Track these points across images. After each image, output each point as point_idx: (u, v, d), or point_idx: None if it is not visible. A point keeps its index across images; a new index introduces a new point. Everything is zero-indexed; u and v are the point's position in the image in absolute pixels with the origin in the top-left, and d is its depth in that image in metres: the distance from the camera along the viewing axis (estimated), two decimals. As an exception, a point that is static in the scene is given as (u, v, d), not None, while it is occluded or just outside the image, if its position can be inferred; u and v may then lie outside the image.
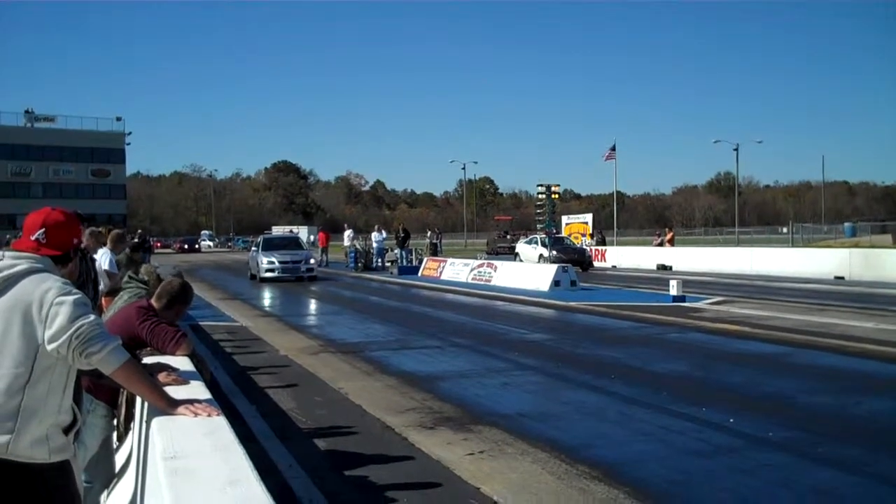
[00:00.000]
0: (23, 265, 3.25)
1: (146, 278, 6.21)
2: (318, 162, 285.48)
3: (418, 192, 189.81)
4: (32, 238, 3.42)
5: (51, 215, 3.51)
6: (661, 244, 45.60)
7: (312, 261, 35.40)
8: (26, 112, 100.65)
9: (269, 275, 33.16)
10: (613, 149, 58.72)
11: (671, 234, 46.13)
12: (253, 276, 35.10)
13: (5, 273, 3.21)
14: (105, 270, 9.58)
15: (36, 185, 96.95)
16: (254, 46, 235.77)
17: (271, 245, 36.02)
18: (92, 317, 3.19)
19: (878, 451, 7.53)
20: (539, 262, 36.51)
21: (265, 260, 33.62)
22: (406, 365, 12.55)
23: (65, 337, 3.10)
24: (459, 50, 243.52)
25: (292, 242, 38.23)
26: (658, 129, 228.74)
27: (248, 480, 2.55)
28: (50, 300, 3.15)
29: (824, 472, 6.94)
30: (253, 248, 39.00)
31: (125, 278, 6.39)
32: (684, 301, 20.77)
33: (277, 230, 78.70)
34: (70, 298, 3.17)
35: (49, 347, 3.11)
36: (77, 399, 3.44)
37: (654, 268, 39.40)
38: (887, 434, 8.18)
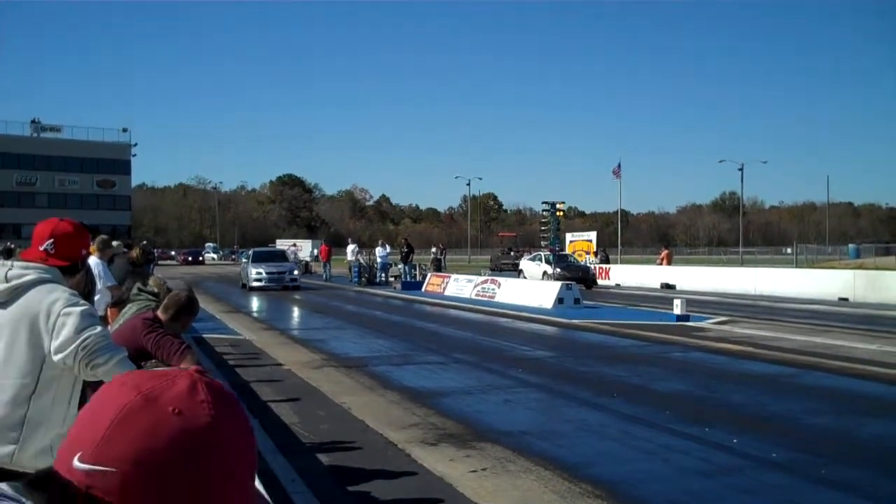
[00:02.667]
0: (31, 275, 3.26)
1: (156, 290, 6.21)
2: (324, 176, 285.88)
3: (423, 207, 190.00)
4: (41, 248, 3.42)
5: (59, 226, 3.52)
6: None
7: (296, 272, 39.13)
8: (32, 122, 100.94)
9: (256, 284, 36.30)
10: (619, 166, 58.69)
11: (667, 252, 45.95)
12: (244, 285, 37.95)
13: (14, 283, 3.22)
14: (108, 287, 9.01)
15: (41, 195, 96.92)
16: (260, 59, 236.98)
17: (260, 258, 39.42)
18: (99, 328, 3.20)
19: (882, 473, 7.52)
20: (543, 279, 36.49)
21: (254, 271, 36.93)
22: (409, 380, 12.53)
23: (71, 348, 3.11)
24: (465, 65, 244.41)
25: (279, 255, 42.45)
26: (663, 148, 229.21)
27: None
28: (57, 311, 3.16)
29: (828, 493, 6.91)
30: (244, 260, 43.36)
31: (134, 290, 6.38)
32: (688, 320, 20.75)
33: (281, 244, 78.84)
34: (77, 310, 3.18)
35: (55, 358, 3.12)
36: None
37: (658, 286, 39.33)
38: (891, 456, 8.16)
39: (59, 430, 3.23)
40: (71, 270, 3.50)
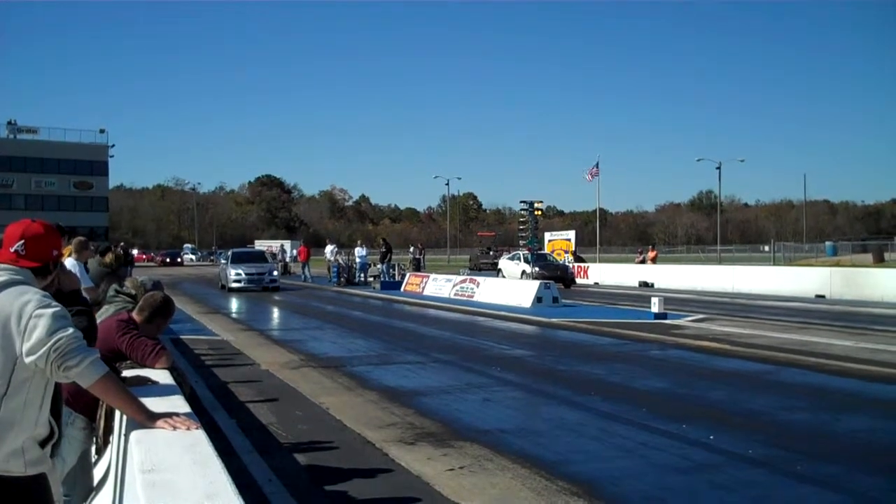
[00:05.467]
0: (2, 277, 3.23)
1: (133, 292, 6.17)
2: (303, 176, 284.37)
3: (402, 207, 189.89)
4: (11, 250, 3.40)
5: (30, 227, 3.49)
6: (643, 261, 45.73)
7: (275, 273, 38.75)
8: (9, 123, 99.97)
9: (236, 284, 36.29)
10: (597, 166, 58.72)
11: (654, 252, 46.22)
12: (223, 286, 38.00)
13: (-15, 285, 3.19)
14: (84, 289, 8.86)
15: (18, 197, 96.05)
16: (238, 60, 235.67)
17: (239, 258, 39.06)
18: (71, 330, 3.18)
19: (857, 468, 7.57)
20: (521, 278, 36.55)
21: (233, 271, 36.79)
22: (387, 380, 12.52)
23: (43, 350, 3.08)
24: (445, 66, 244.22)
25: (258, 256, 41.94)
26: (642, 147, 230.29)
27: (227, 494, 2.54)
28: (29, 313, 3.13)
29: (803, 488, 6.96)
30: (222, 261, 43.16)
31: (111, 292, 6.34)
32: (666, 318, 20.84)
33: (260, 244, 78.49)
34: (49, 311, 3.15)
35: (27, 360, 3.09)
36: (55, 412, 3.42)
37: (636, 285, 39.51)
38: (866, 451, 8.22)
39: (31, 433, 3.21)
40: (42, 271, 3.48)
